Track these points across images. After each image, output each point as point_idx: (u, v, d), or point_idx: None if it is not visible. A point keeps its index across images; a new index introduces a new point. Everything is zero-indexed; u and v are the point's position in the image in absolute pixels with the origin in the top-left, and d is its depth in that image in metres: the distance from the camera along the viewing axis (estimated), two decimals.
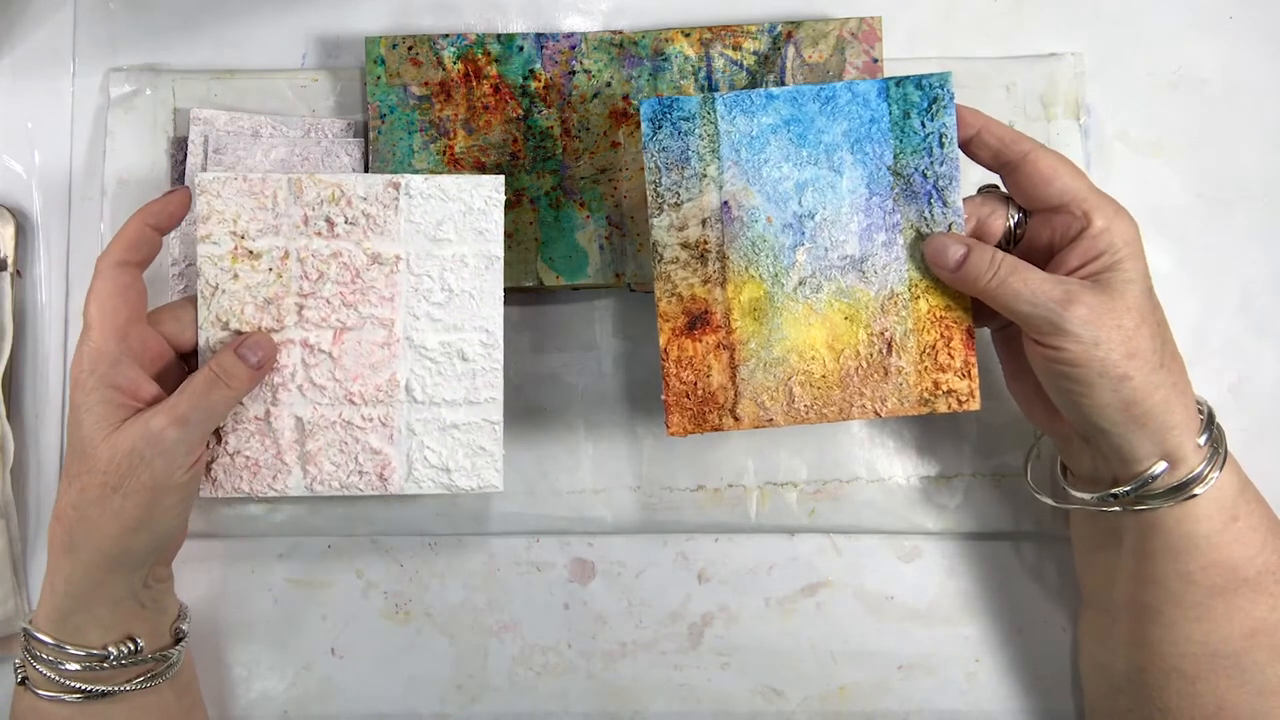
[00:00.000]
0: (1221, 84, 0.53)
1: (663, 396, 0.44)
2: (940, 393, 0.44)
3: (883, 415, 0.44)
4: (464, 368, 0.46)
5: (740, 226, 0.44)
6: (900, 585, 0.52)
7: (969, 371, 0.44)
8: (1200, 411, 0.42)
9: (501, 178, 0.45)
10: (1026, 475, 0.48)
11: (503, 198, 0.45)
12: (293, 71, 0.52)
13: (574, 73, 0.51)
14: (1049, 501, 0.46)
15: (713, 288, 0.44)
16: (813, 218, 0.44)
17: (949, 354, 0.44)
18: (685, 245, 0.44)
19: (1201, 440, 0.41)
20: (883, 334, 0.44)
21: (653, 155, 0.43)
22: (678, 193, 0.43)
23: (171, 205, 0.44)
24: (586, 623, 0.52)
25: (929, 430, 0.52)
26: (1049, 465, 0.49)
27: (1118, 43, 0.53)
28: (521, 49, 0.50)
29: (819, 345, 0.44)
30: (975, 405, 0.44)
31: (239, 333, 0.45)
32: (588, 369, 0.52)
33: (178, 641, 0.45)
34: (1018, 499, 0.51)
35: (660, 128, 0.43)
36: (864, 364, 0.44)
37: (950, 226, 0.43)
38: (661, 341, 0.44)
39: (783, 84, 0.50)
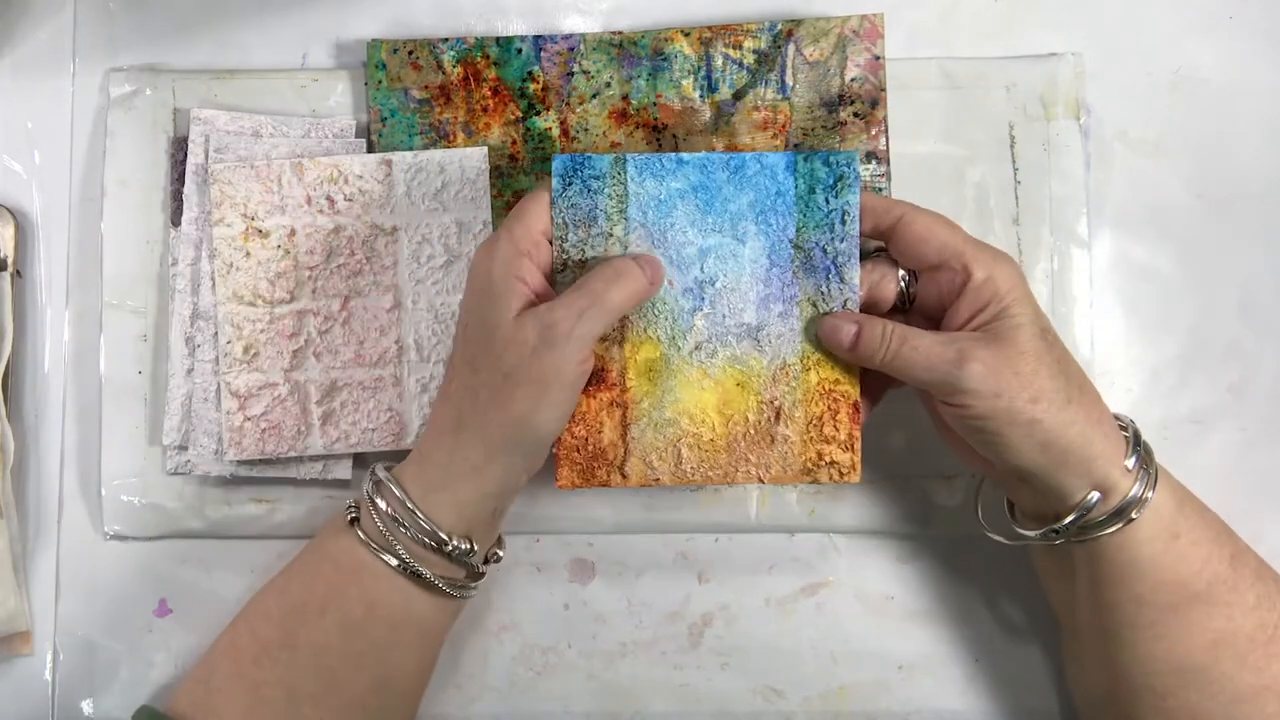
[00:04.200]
0: (1221, 84, 0.53)
1: (552, 449, 0.44)
2: (823, 463, 0.45)
3: (765, 482, 0.45)
4: None
5: None
6: (900, 585, 0.52)
7: (853, 445, 0.45)
8: (1124, 432, 0.42)
9: (485, 149, 0.50)
10: (978, 514, 0.48)
11: (487, 166, 0.50)
12: (293, 71, 0.52)
13: (572, 74, 0.50)
14: (1000, 539, 0.46)
15: (610, 346, 0.45)
16: (713, 284, 0.44)
17: (834, 427, 0.45)
18: None
19: (1130, 463, 0.41)
20: (772, 403, 0.45)
21: (560, 211, 0.44)
22: (583, 250, 0.44)
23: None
24: (586, 623, 0.52)
25: (929, 430, 0.52)
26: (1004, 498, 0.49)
27: (1118, 43, 0.53)
28: (520, 51, 0.50)
29: (710, 409, 0.45)
30: (856, 478, 0.45)
31: (254, 306, 0.49)
32: None
33: (485, 563, 0.45)
34: None
35: (570, 184, 0.44)
36: (752, 430, 0.45)
37: (845, 303, 0.44)
38: None
39: (784, 82, 0.50)
